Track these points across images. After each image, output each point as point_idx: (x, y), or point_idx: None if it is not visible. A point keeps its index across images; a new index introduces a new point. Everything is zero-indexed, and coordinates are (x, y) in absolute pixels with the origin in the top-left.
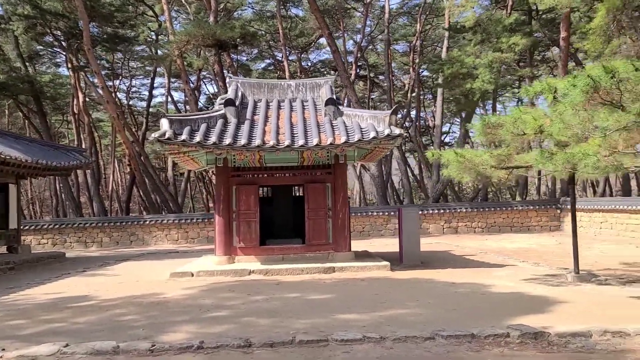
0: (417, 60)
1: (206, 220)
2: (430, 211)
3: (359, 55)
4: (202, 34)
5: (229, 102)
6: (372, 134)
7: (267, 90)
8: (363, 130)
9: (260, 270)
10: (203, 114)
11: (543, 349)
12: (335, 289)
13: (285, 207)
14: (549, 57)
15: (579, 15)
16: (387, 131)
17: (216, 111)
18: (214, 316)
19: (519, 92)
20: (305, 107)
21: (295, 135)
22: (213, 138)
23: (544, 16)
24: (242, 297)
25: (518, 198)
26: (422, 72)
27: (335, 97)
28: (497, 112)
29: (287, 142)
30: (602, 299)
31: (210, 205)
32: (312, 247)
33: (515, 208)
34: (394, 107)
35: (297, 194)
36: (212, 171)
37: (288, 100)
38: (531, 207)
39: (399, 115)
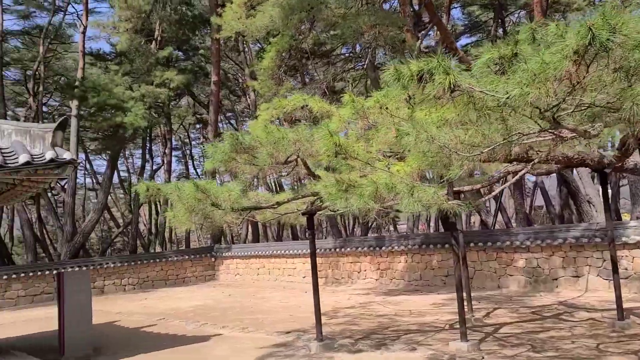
0: (40, 89)
1: None
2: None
3: None
4: None
5: None
6: (24, 159)
7: None
8: (4, 152)
9: None
10: None
11: None
12: None
13: None
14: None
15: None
16: (49, 155)
17: None
18: None
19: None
20: None
21: None
22: None
23: (201, 52)
24: None
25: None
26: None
27: None
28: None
29: None
30: None
31: None
32: None
33: (170, 259)
34: (60, 120)
35: None
36: None
37: None
38: (186, 257)
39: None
